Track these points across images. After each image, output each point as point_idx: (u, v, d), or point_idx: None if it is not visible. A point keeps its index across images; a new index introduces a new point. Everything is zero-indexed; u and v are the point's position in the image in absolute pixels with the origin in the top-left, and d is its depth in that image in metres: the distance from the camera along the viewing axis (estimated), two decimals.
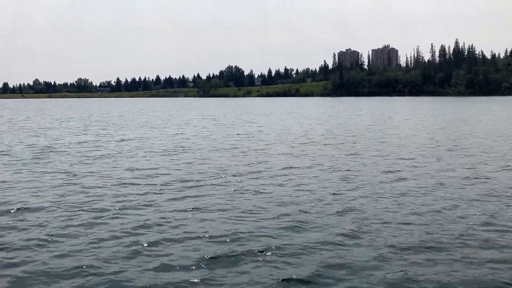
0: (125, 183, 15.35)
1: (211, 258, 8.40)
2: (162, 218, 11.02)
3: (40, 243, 9.43)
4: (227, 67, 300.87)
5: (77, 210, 11.96)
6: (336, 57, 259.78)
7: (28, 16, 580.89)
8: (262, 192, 13.82)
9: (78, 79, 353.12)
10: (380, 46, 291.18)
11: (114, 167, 18.95)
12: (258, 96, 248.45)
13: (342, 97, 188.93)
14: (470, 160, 20.14)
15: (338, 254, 8.63)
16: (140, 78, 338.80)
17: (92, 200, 13.01)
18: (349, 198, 13.07)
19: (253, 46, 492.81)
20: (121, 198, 13.15)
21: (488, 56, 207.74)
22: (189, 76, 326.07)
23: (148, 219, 10.90)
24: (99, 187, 14.85)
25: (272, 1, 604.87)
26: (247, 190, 14.16)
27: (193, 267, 8.10)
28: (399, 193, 13.64)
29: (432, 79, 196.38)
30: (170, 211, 11.64)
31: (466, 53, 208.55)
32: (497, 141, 28.10)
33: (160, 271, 7.99)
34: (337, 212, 11.55)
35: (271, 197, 13.16)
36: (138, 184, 15.13)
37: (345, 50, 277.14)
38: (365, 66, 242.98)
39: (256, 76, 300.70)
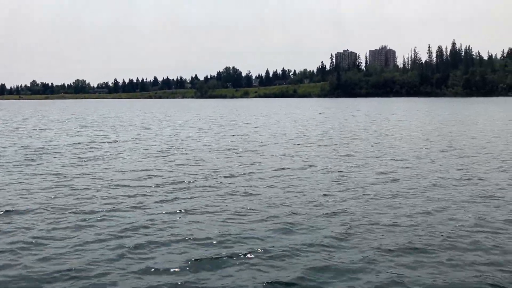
0: (115, 185, 15.25)
1: (195, 261, 8.32)
2: (150, 220, 10.93)
3: (25, 246, 9.32)
4: (225, 68, 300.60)
5: (64, 213, 11.86)
6: (334, 58, 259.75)
7: (26, 17, 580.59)
8: (252, 194, 13.74)
9: (75, 80, 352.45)
10: (378, 47, 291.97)
11: (105, 168, 18.84)
12: (255, 97, 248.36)
13: (340, 98, 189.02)
14: (464, 161, 20.10)
15: (324, 257, 8.55)
16: (137, 79, 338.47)
17: (81, 203, 12.90)
18: (339, 199, 12.99)
19: (251, 47, 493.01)
20: (110, 200, 13.05)
21: (485, 57, 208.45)
22: (187, 77, 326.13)
23: (136, 222, 10.81)
24: (89, 189, 14.74)
25: (270, 2, 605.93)
26: (238, 191, 14.08)
27: (177, 270, 8.01)
28: (390, 194, 13.58)
29: (429, 80, 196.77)
30: (158, 214, 11.54)
31: (463, 54, 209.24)
32: (491, 141, 28.10)
33: (143, 274, 7.90)
34: (327, 214, 11.48)
35: (261, 199, 13.08)
36: (128, 186, 15.03)
37: (342, 51, 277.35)
38: (363, 67, 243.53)
39: (253, 77, 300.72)
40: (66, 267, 8.24)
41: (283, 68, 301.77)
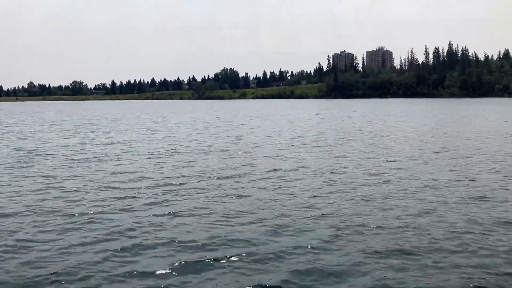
0: (105, 187, 15.14)
1: (179, 264, 8.22)
2: (137, 223, 10.83)
3: (8, 249, 9.21)
4: (222, 69, 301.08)
5: (52, 215, 11.74)
6: (331, 59, 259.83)
7: (23, 18, 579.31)
8: (242, 196, 13.65)
9: (73, 82, 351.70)
10: (375, 48, 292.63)
11: (97, 170, 18.73)
12: (253, 98, 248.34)
13: (337, 99, 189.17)
14: (457, 162, 20.05)
15: (310, 259, 8.47)
16: (135, 81, 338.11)
17: (69, 205, 12.79)
18: (329, 201, 12.92)
19: (249, 48, 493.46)
20: (98, 203, 12.94)
21: (482, 58, 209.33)
22: (184, 78, 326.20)
23: (122, 224, 10.71)
24: (78, 191, 14.62)
25: (267, 3, 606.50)
26: (228, 193, 13.99)
27: (161, 274, 7.92)
28: (380, 196, 13.51)
29: (426, 81, 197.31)
30: (146, 216, 11.44)
31: (459, 55, 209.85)
32: (486, 142, 28.11)
33: (126, 278, 7.80)
34: (316, 216, 11.40)
35: (251, 201, 12.99)
36: (118, 188, 14.92)
37: (339, 52, 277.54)
38: (360, 68, 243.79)
39: (251, 78, 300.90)
40: (49, 271, 8.14)
41: (281, 69, 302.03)
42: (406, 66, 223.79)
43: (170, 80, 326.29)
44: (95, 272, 8.10)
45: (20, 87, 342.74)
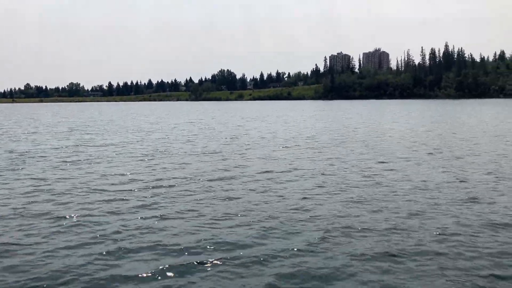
0: (94, 190, 15.02)
1: (162, 268, 8.12)
2: (123, 226, 10.72)
3: None
4: (219, 70, 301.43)
5: (39, 218, 11.62)
6: (328, 60, 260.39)
7: (19, 20, 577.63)
8: (232, 198, 13.55)
9: (69, 84, 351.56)
10: (371, 50, 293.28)
11: (88, 172, 18.60)
12: (250, 99, 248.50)
13: (333, 101, 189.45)
14: (450, 164, 20.00)
15: (295, 263, 8.38)
16: (132, 82, 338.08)
17: (57, 208, 12.67)
18: (319, 203, 12.83)
19: (246, 50, 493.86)
20: (86, 206, 12.81)
21: (477, 59, 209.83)
22: (181, 80, 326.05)
23: (108, 228, 10.60)
24: (67, 194, 14.50)
25: (264, 5, 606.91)
26: (218, 196, 13.89)
27: (143, 277, 7.81)
28: (371, 198, 13.44)
29: (422, 82, 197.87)
30: (133, 219, 11.34)
31: (455, 56, 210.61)
32: (480, 143, 28.11)
33: (109, 282, 7.70)
34: (304, 218, 11.31)
35: (240, 203, 12.90)
36: (107, 191, 14.80)
37: (336, 54, 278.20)
38: (356, 70, 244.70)
39: (248, 80, 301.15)
40: (31, 275, 8.02)
41: (278, 70, 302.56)
42: (403, 67, 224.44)
43: (167, 82, 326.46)
44: (78, 276, 7.99)
45: (17, 88, 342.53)
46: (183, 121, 60.30)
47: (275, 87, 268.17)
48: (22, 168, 20.05)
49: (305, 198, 13.42)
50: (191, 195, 14.05)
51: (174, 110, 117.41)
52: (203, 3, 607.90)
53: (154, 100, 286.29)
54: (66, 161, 22.08)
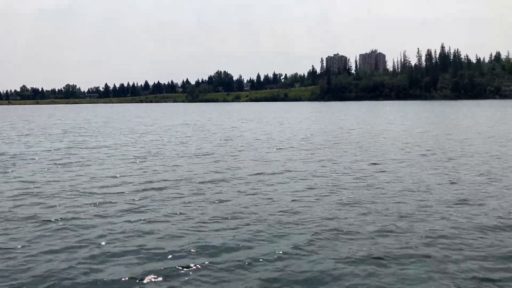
0: (83, 193, 14.87)
1: (145, 272, 8.00)
2: (109, 229, 10.59)
3: None
4: (216, 72, 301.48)
5: (25, 222, 11.48)
6: (324, 62, 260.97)
7: (15, 21, 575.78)
8: (221, 201, 13.43)
9: (66, 85, 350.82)
10: (368, 51, 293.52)
11: (78, 175, 18.44)
12: (247, 101, 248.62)
13: (330, 102, 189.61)
14: (443, 165, 19.94)
15: (280, 267, 8.27)
16: (128, 84, 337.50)
17: (44, 211, 12.52)
18: (308, 206, 12.73)
19: (242, 51, 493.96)
20: (73, 209, 12.67)
21: (473, 61, 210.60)
22: (178, 81, 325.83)
23: (94, 232, 10.46)
24: (55, 196, 14.35)
25: (261, 6, 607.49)
26: (207, 199, 13.77)
27: (125, 282, 7.71)
28: (361, 200, 13.34)
29: (418, 83, 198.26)
30: (120, 223, 11.21)
31: (452, 58, 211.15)
32: (474, 144, 28.09)
33: (90, 286, 7.58)
34: (292, 221, 11.20)
35: (229, 206, 12.79)
36: (96, 193, 14.65)
37: (333, 55, 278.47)
38: (353, 71, 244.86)
39: (245, 81, 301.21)
40: (11, 281, 7.89)
41: (274, 72, 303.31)
42: (399, 69, 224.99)
43: (164, 83, 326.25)
44: (59, 280, 7.88)
45: (13, 90, 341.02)
46: (178, 123, 60.12)
47: (272, 89, 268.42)
48: (12, 171, 19.88)
49: (294, 200, 13.32)
50: (180, 197, 13.93)
51: (170, 111, 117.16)
52: (201, 4, 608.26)
53: (151, 101, 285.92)
54: (56, 164, 21.92)
